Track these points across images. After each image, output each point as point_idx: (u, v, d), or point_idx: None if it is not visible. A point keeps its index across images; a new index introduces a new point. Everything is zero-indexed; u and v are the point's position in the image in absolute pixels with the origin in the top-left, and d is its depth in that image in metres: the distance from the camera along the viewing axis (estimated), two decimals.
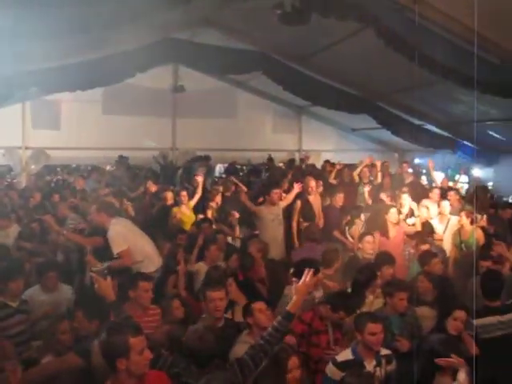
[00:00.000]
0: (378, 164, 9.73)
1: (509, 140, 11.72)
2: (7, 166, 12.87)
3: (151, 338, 3.38)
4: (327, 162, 12.25)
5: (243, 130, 14.16)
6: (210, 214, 8.33)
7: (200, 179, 8.36)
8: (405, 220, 7.26)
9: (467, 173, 11.57)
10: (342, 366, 3.71)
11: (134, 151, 12.77)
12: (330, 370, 3.75)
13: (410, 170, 11.05)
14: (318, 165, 12.82)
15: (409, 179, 10.01)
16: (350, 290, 5.00)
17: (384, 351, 3.90)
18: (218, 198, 8.51)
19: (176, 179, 11.92)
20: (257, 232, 7.34)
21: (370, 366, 3.73)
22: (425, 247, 6.18)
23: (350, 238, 6.86)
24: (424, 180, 10.30)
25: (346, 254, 6.53)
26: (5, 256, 5.90)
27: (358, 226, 7.05)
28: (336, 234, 7.19)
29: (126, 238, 5.69)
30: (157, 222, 7.88)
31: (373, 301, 4.87)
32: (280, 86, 10.66)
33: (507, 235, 6.97)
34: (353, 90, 10.94)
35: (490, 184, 11.42)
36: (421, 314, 4.77)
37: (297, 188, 7.44)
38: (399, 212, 7.32)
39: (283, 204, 7.48)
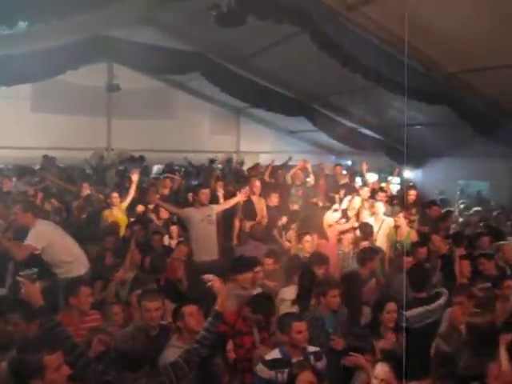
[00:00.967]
0: (309, 166, 9.88)
1: (435, 143, 12.36)
2: None
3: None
4: (258, 163, 12.41)
5: (181, 131, 13.99)
6: (146, 215, 8.20)
7: (134, 178, 8.15)
8: (340, 220, 7.41)
9: (400, 174, 12.02)
10: (270, 364, 3.80)
11: (67, 151, 12.32)
12: (260, 368, 3.83)
13: (344, 172, 11.36)
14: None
15: (343, 181, 10.29)
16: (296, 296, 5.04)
17: (312, 348, 3.99)
18: (155, 198, 8.36)
19: (108, 180, 11.55)
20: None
21: None
22: (364, 244, 6.37)
23: (287, 242, 6.93)
24: (358, 181, 10.60)
25: (284, 254, 6.61)
26: None
27: (294, 230, 7.11)
28: (275, 234, 7.26)
29: (48, 237, 5.56)
30: (88, 226, 7.65)
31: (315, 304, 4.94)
32: (218, 88, 10.65)
33: (435, 232, 7.33)
34: (290, 93, 11.10)
35: (418, 185, 11.93)
36: None
37: (241, 196, 7.38)
38: (343, 214, 7.52)
39: (222, 207, 7.42)
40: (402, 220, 6.87)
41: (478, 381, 3.38)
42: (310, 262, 5.62)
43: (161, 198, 8.65)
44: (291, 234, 7.07)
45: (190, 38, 10.26)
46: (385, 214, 7.47)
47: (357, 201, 7.76)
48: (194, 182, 11.32)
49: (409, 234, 7.00)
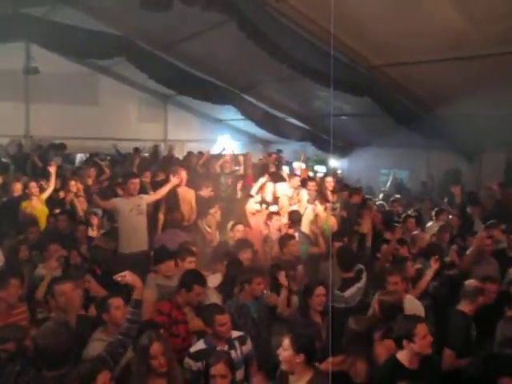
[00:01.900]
0: (238, 155, 9.88)
1: (360, 133, 12.81)
2: None
3: None
4: (190, 152, 12.22)
5: (106, 118, 13.48)
6: (69, 205, 7.86)
7: (53, 169, 7.73)
8: (267, 208, 7.46)
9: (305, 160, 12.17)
10: (195, 356, 3.81)
11: None
12: (187, 362, 3.83)
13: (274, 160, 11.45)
14: (183, 155, 12.74)
15: (272, 169, 10.37)
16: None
17: (235, 333, 4.03)
18: (77, 188, 8.01)
19: (28, 170, 10.92)
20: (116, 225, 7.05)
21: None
22: (290, 231, 6.46)
23: (208, 228, 6.86)
24: (286, 170, 10.74)
25: (206, 243, 6.57)
26: None
27: (214, 216, 7.07)
28: (199, 223, 7.17)
29: None
30: (3, 217, 7.20)
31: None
32: (145, 74, 10.35)
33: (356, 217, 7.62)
34: (218, 81, 11.02)
35: (342, 173, 12.32)
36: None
37: (174, 180, 7.18)
38: (263, 201, 7.56)
39: (153, 197, 7.20)
40: (318, 207, 7.04)
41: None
42: (235, 247, 5.63)
43: (84, 188, 8.32)
44: (210, 219, 6.98)
45: (115, 21, 9.90)
46: (308, 201, 7.61)
47: (282, 189, 7.89)
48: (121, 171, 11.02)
49: (327, 220, 7.19)
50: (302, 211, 7.25)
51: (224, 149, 12.19)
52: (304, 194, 7.45)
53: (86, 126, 12.99)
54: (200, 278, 4.40)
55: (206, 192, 7.87)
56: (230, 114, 13.03)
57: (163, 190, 7.15)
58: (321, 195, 8.29)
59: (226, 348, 3.85)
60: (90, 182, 9.13)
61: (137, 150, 12.48)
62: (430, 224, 7.69)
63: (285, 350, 3.35)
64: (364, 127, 12.37)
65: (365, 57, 8.12)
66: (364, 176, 13.21)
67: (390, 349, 3.66)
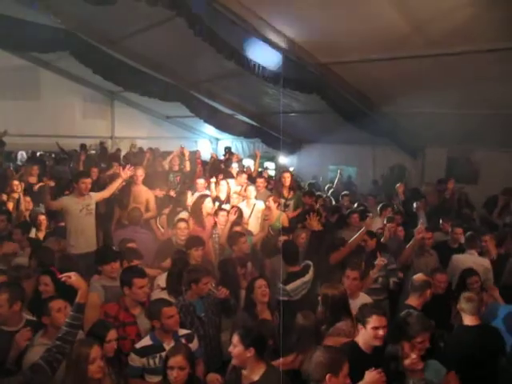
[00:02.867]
0: (187, 153, 9.76)
1: (309, 130, 12.99)
2: None
3: None
4: (141, 149, 12.02)
5: (49, 114, 12.94)
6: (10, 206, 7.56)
7: None
8: (220, 206, 7.42)
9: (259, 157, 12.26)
10: (141, 352, 3.80)
11: None
12: (131, 358, 3.80)
13: (222, 158, 11.47)
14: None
15: (221, 167, 10.36)
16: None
17: (183, 331, 4.04)
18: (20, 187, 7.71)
19: None
20: (62, 224, 6.82)
21: (169, 346, 3.80)
22: (237, 229, 6.45)
23: (161, 228, 6.77)
24: (235, 167, 10.74)
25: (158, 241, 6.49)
26: None
27: (169, 215, 7.00)
28: (151, 222, 7.06)
29: None
30: None
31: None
32: (89, 69, 10.04)
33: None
34: (165, 77, 10.85)
35: (292, 170, 12.42)
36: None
37: (124, 174, 6.97)
38: (217, 200, 7.53)
39: (102, 195, 6.98)
40: (271, 204, 7.10)
41: None
42: (186, 245, 5.56)
43: (26, 186, 8.01)
44: (163, 219, 6.90)
45: (58, 14, 9.50)
46: (257, 198, 7.64)
47: (231, 186, 7.89)
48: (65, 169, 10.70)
49: (279, 216, 7.25)
50: (249, 208, 7.28)
51: (183, 148, 11.95)
52: (252, 190, 7.46)
53: (27, 122, 12.42)
54: (138, 271, 4.37)
55: (158, 192, 7.76)
56: (178, 110, 12.85)
57: (112, 187, 6.98)
58: (276, 191, 8.37)
59: (172, 344, 3.82)
60: (32, 180, 8.80)
61: (83, 147, 12.13)
62: (375, 220, 7.90)
63: (235, 346, 3.37)
64: (312, 124, 12.53)
65: (313, 55, 8.22)
66: (313, 172, 13.40)
67: (338, 342, 3.73)
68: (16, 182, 7.90)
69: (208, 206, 6.78)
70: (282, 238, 5.84)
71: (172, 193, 7.78)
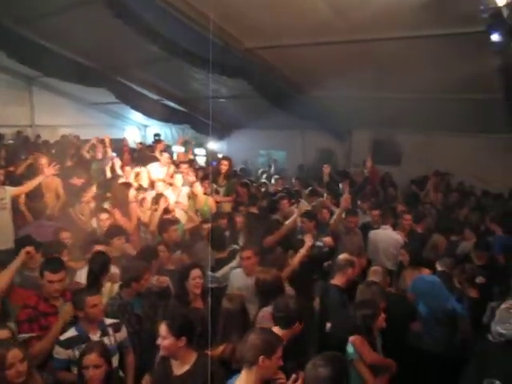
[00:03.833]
0: (107, 140, 9.42)
1: (238, 116, 12.95)
2: None
3: None
4: (65, 136, 11.46)
5: None
6: None
7: None
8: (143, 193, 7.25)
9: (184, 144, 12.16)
10: (65, 343, 3.67)
11: None
12: (56, 351, 3.67)
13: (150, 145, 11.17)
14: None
15: (148, 153, 10.08)
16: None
17: (109, 321, 3.93)
18: None
19: None
20: None
21: (95, 337, 3.76)
22: (167, 216, 6.33)
23: (82, 217, 6.49)
24: (165, 155, 10.50)
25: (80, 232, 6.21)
26: None
27: (88, 204, 6.73)
28: (71, 212, 6.75)
29: None
30: None
31: (111, 287, 4.76)
32: (3, 52, 9.36)
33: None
34: (88, 62, 10.37)
35: (222, 156, 12.37)
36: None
37: (49, 170, 6.57)
38: (140, 187, 7.35)
39: (21, 190, 6.54)
40: (198, 189, 7.03)
41: None
42: (106, 235, 5.39)
43: None
44: (83, 207, 6.61)
45: None
46: (184, 184, 7.58)
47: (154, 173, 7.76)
48: None
49: (206, 201, 7.23)
50: (176, 194, 7.19)
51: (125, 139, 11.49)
52: (178, 178, 7.37)
53: None
54: (51, 264, 4.13)
55: (77, 180, 7.40)
56: (103, 97, 12.36)
57: (32, 183, 6.57)
58: (203, 177, 8.31)
59: (98, 334, 3.77)
60: None
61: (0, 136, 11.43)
62: (302, 203, 8.05)
63: (164, 337, 3.27)
64: (241, 109, 12.51)
65: (239, 40, 8.15)
66: (243, 157, 13.41)
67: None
68: None
69: (131, 194, 6.58)
70: (208, 225, 5.80)
71: (94, 182, 7.43)
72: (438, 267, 5.28)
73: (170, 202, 6.86)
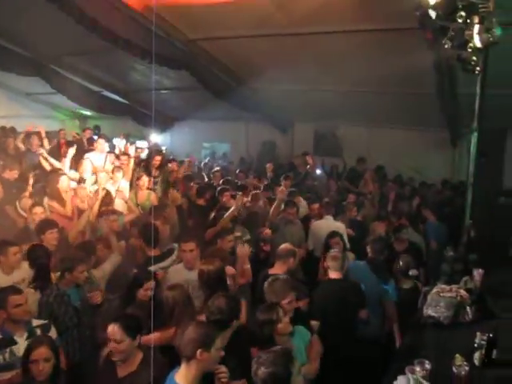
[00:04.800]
0: (42, 131, 9.09)
1: (181, 107, 12.81)
2: None
3: None
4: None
5: None
6: None
7: None
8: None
9: (146, 138, 12.03)
10: None
11: None
12: None
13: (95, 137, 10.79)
14: None
15: (90, 146, 9.78)
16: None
17: (37, 321, 3.80)
18: None
19: None
20: None
21: (21, 339, 3.59)
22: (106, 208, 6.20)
23: (23, 212, 6.22)
24: (106, 147, 10.21)
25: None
26: None
27: (30, 198, 6.46)
28: (7, 208, 6.46)
29: None
30: None
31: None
32: None
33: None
34: (20, 50, 9.86)
35: (165, 149, 12.22)
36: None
37: None
38: (82, 180, 7.16)
39: None
40: (141, 183, 7.00)
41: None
42: (37, 229, 5.19)
43: None
44: (25, 202, 6.34)
45: None
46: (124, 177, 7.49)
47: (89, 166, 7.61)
48: None
49: (149, 196, 7.20)
50: (115, 187, 7.09)
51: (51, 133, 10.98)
52: (118, 170, 7.26)
53: None
54: None
55: (10, 174, 7.06)
56: (39, 87, 11.84)
57: None
58: (145, 170, 8.21)
59: (24, 336, 3.61)
60: None
61: None
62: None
63: (119, 341, 3.20)
64: (184, 101, 12.39)
65: (181, 31, 8.06)
66: (186, 150, 13.30)
67: None
68: None
69: (64, 183, 6.37)
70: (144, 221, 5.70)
71: (31, 175, 7.12)
72: (369, 253, 5.45)
73: (112, 194, 6.73)
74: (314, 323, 4.14)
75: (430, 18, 4.22)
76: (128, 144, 9.59)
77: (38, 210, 5.63)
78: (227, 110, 11.21)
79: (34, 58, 10.07)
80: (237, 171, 10.39)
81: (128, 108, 12.61)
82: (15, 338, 3.57)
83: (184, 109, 12.82)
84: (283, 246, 5.05)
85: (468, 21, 4.02)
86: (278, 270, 4.80)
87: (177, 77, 10.12)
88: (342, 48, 7.63)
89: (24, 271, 4.59)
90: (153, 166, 8.22)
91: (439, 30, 4.55)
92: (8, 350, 3.49)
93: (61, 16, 6.92)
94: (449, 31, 4.23)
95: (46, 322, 3.84)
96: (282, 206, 6.64)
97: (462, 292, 4.05)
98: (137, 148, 10.09)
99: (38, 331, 3.71)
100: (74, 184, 6.84)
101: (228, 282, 4.43)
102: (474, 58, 4.32)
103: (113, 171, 7.36)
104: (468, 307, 3.95)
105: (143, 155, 9.98)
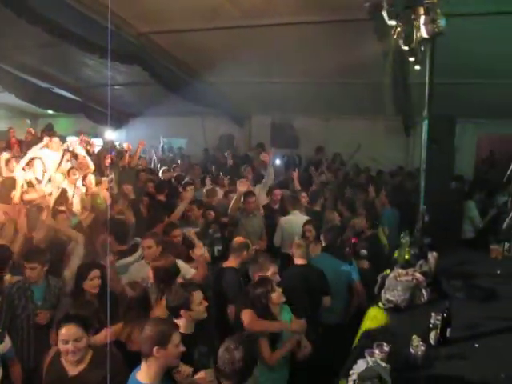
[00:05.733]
0: None
1: (135, 103, 12.59)
2: None
3: None
4: None
5: None
6: None
7: None
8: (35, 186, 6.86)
9: (100, 135, 11.78)
10: None
11: None
12: None
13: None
14: None
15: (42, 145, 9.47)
16: None
17: None
18: None
19: None
20: None
21: None
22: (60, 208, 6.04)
23: None
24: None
25: None
26: None
27: None
28: None
29: None
30: None
31: (10, 279, 4.48)
32: None
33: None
34: None
35: (121, 145, 12.00)
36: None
37: None
38: (37, 181, 6.96)
39: None
40: (92, 182, 7.01)
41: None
42: None
43: None
44: None
45: None
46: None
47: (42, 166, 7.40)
48: None
49: (99, 194, 7.05)
50: (72, 188, 6.96)
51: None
52: (75, 171, 7.13)
53: None
54: None
55: None
56: None
57: None
58: (98, 169, 8.09)
59: None
60: None
61: None
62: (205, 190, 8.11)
63: (79, 339, 3.10)
64: (139, 97, 12.20)
65: (132, 24, 7.90)
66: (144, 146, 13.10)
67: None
68: None
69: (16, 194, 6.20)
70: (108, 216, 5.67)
71: None
72: (323, 242, 5.51)
73: (67, 193, 6.61)
74: None
75: (380, 9, 4.31)
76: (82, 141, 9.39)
77: None
78: (183, 105, 11.09)
79: None
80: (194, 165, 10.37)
81: (80, 105, 12.29)
82: None
83: (138, 104, 12.61)
84: (236, 239, 5.15)
85: (414, 12, 4.13)
86: (231, 263, 4.90)
87: (129, 72, 9.91)
88: (293, 39, 7.67)
89: None
90: (104, 166, 8.11)
91: (388, 21, 4.65)
92: None
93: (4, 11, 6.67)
94: (397, 22, 4.33)
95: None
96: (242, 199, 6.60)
97: (418, 275, 4.16)
98: (91, 145, 9.90)
99: None
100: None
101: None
102: (422, 48, 4.44)
103: (68, 172, 7.20)
104: (423, 289, 4.07)
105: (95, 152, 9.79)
